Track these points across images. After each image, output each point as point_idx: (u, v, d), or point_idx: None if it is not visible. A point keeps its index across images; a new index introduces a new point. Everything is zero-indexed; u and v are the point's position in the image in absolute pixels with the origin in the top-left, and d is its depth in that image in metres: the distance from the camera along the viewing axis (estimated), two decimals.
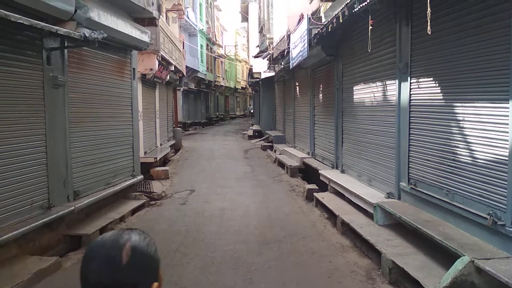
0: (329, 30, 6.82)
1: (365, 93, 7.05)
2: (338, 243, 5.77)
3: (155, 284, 1.03)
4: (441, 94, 4.74)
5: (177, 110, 23.27)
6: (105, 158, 7.16)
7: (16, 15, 4.23)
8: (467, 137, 4.25)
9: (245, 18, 31.56)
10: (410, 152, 5.45)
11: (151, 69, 11.15)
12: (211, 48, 36.83)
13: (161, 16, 10.97)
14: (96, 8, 6.11)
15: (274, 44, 15.71)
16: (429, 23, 3.93)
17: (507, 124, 3.63)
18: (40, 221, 5.08)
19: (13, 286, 4.08)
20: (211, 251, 5.50)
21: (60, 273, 4.78)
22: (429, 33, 3.97)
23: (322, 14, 9.11)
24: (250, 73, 27.81)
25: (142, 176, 8.77)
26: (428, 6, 3.90)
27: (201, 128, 31.77)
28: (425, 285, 3.77)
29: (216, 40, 39.41)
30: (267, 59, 17.91)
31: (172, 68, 14.78)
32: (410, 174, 5.45)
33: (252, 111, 46.29)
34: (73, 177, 6.17)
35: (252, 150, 17.70)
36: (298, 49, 9.52)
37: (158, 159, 11.54)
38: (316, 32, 7.85)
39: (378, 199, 5.89)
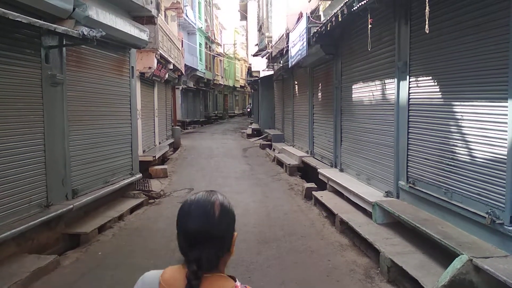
0: (328, 28, 6.81)
1: (364, 91, 7.05)
2: (336, 241, 5.78)
3: (235, 233, 1.30)
4: (440, 93, 4.74)
5: (175, 108, 23.26)
6: (104, 156, 7.15)
7: (14, 13, 4.21)
8: (466, 136, 4.25)
9: (244, 17, 31.52)
10: (409, 151, 5.45)
11: (149, 68, 11.13)
12: (210, 47, 36.79)
13: (159, 15, 10.96)
14: (95, 6, 6.08)
15: (273, 43, 15.70)
16: (427, 22, 3.94)
17: (506, 123, 3.63)
18: (39, 220, 5.08)
19: (11, 284, 4.07)
20: None
21: (59, 271, 4.77)
22: (427, 32, 3.98)
23: (321, 13, 9.10)
24: (249, 71, 27.80)
25: (141, 174, 8.76)
26: (427, 4, 3.90)
27: (200, 127, 31.76)
28: (424, 283, 3.78)
29: (215, 38, 39.37)
30: (266, 58, 17.90)
31: (171, 67, 14.76)
32: (408, 173, 5.45)
33: (249, 110, 45.70)
34: (72, 176, 6.16)
35: (251, 149, 17.70)
36: (297, 47, 9.52)
37: (156, 157, 11.53)
38: (315, 30, 7.84)
39: (377, 197, 5.90)
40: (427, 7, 3.91)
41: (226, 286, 1.23)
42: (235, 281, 1.25)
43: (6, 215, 4.79)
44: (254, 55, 22.94)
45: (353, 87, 7.64)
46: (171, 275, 1.28)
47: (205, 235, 1.22)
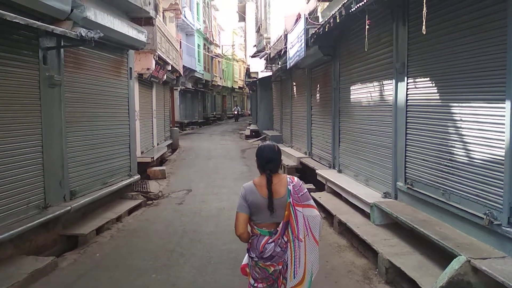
0: (326, 30, 6.82)
1: (362, 93, 7.06)
2: (335, 243, 5.78)
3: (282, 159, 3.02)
4: (437, 94, 4.75)
5: (174, 109, 23.27)
6: (102, 157, 7.15)
7: (12, 14, 4.21)
8: (464, 137, 4.26)
9: (242, 18, 31.55)
10: (407, 152, 5.46)
11: (148, 69, 11.13)
12: (208, 48, 36.81)
13: (158, 16, 10.96)
14: (93, 7, 6.08)
15: (271, 44, 15.71)
16: (424, 23, 3.94)
17: (503, 124, 3.63)
18: (36, 221, 5.07)
19: (9, 286, 4.06)
20: (208, 251, 5.50)
21: (56, 273, 4.77)
22: (424, 33, 3.98)
23: (319, 14, 9.11)
24: (248, 72, 27.84)
25: (139, 176, 8.75)
26: (424, 6, 3.91)
27: (198, 128, 31.75)
28: (422, 284, 3.78)
29: (213, 39, 39.38)
30: (264, 59, 17.91)
31: (169, 68, 14.76)
32: (406, 174, 5.46)
33: (237, 112, 43.17)
34: (70, 177, 6.15)
35: (249, 150, 17.70)
36: (295, 49, 9.52)
37: (155, 158, 11.53)
38: (313, 32, 7.84)
39: (375, 199, 5.90)
40: (424, 8, 3.92)
41: (282, 176, 2.75)
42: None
43: (3, 216, 4.78)
44: (252, 56, 22.98)
45: (351, 88, 7.64)
46: (258, 179, 2.76)
47: (272, 158, 2.75)
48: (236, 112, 43.53)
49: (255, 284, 2.81)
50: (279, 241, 2.68)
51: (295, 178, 2.76)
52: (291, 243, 2.65)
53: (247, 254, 2.86)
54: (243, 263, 2.98)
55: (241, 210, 2.70)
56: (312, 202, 2.76)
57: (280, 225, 2.66)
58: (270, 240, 2.68)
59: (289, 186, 2.67)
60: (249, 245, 2.81)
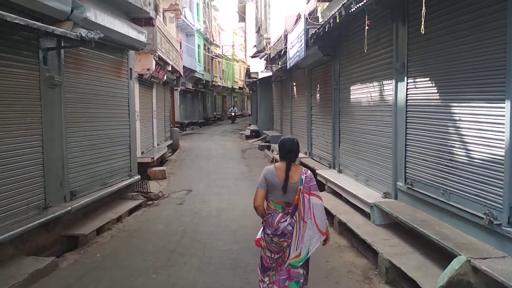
0: (326, 30, 6.82)
1: (362, 93, 7.06)
2: (335, 243, 5.77)
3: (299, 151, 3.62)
4: (437, 94, 4.75)
5: (174, 110, 23.26)
6: (102, 158, 7.15)
7: (12, 15, 4.21)
8: (464, 137, 4.26)
9: (242, 18, 31.57)
10: (407, 152, 5.46)
11: (148, 69, 11.13)
12: (208, 48, 36.82)
13: (158, 16, 10.96)
14: (93, 8, 6.09)
15: (271, 44, 15.71)
16: (423, 23, 3.94)
17: (503, 123, 3.63)
18: (37, 222, 5.07)
19: (9, 287, 4.06)
20: (208, 251, 5.50)
21: (57, 273, 4.77)
22: (423, 32, 3.97)
23: (319, 14, 9.12)
24: (248, 73, 27.83)
25: (139, 176, 8.75)
26: (423, 5, 3.91)
27: (199, 128, 31.75)
28: (422, 284, 3.78)
29: (213, 40, 39.39)
30: (265, 59, 17.92)
31: (169, 68, 14.76)
32: (406, 174, 5.46)
33: (234, 114, 40.05)
34: (70, 177, 6.16)
35: (249, 150, 17.71)
36: (295, 49, 9.53)
37: (155, 159, 11.53)
38: (313, 32, 7.84)
39: (375, 199, 5.90)
40: (423, 8, 3.92)
41: (298, 167, 3.37)
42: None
43: (4, 217, 4.78)
44: (252, 57, 22.99)
45: (351, 88, 7.65)
46: (278, 164, 3.39)
47: (292, 149, 3.37)
48: (233, 114, 40.42)
49: (272, 256, 3.43)
50: (291, 221, 3.28)
51: (309, 171, 3.36)
52: (297, 223, 3.26)
53: (261, 229, 3.51)
54: (257, 237, 3.58)
55: (260, 187, 3.36)
56: (318, 193, 3.33)
57: (292, 208, 3.29)
58: (283, 220, 3.30)
59: (302, 176, 3.28)
60: (264, 223, 3.44)
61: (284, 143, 3.45)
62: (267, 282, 3.45)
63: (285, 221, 3.28)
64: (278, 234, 3.30)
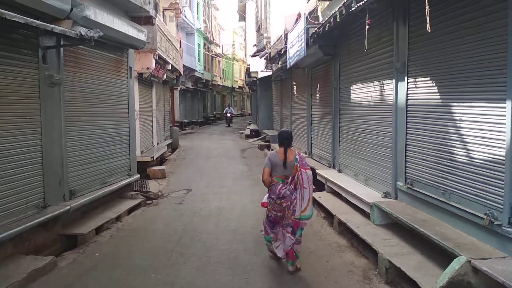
0: (326, 29, 6.81)
1: (362, 92, 7.05)
2: (335, 242, 5.77)
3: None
4: (438, 94, 4.74)
5: (174, 109, 23.26)
6: (101, 157, 7.14)
7: (11, 13, 4.19)
8: (464, 137, 4.25)
9: (242, 17, 31.54)
10: (407, 151, 5.45)
11: (147, 68, 11.11)
12: (208, 47, 36.81)
13: (158, 15, 10.95)
14: (93, 6, 6.07)
15: (272, 43, 15.69)
16: (428, 21, 3.90)
17: (504, 123, 3.62)
18: (36, 221, 5.05)
19: (8, 286, 4.05)
20: (208, 250, 5.49)
21: (56, 272, 4.76)
22: (429, 30, 3.92)
23: (319, 13, 9.10)
24: (248, 72, 27.78)
25: (139, 175, 8.74)
26: (427, 4, 3.88)
27: (198, 127, 31.74)
28: (422, 285, 3.77)
29: (213, 39, 39.37)
30: (265, 58, 17.90)
31: (169, 67, 14.74)
32: (407, 174, 5.45)
33: (230, 114, 33.82)
34: (69, 176, 6.14)
35: (249, 150, 17.70)
36: (295, 48, 9.51)
37: (154, 158, 11.50)
38: (314, 31, 7.83)
39: (375, 198, 5.89)
40: (427, 7, 3.89)
41: (292, 150, 4.81)
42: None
43: (2, 216, 4.77)
44: (252, 56, 22.95)
45: (351, 88, 7.63)
46: (278, 149, 4.85)
47: (287, 137, 4.87)
48: (228, 115, 33.89)
49: (275, 212, 4.78)
50: (288, 187, 4.64)
51: (301, 153, 4.87)
52: (299, 189, 4.60)
53: (266, 195, 4.91)
54: (263, 201, 5.05)
55: (267, 166, 4.76)
56: (309, 166, 4.82)
57: (290, 179, 4.66)
58: (284, 188, 4.65)
59: (296, 156, 4.69)
60: (269, 191, 4.79)
61: (281, 133, 4.97)
62: (274, 238, 4.86)
63: (285, 188, 4.64)
64: (280, 197, 4.66)
